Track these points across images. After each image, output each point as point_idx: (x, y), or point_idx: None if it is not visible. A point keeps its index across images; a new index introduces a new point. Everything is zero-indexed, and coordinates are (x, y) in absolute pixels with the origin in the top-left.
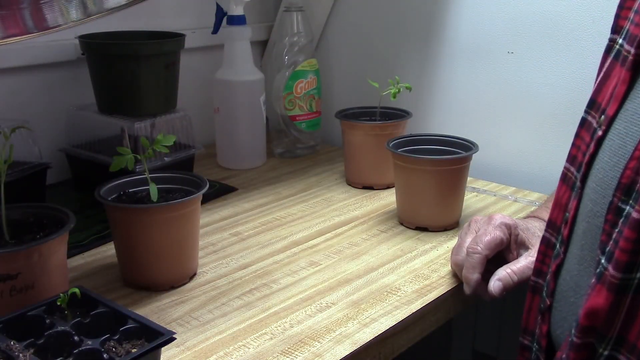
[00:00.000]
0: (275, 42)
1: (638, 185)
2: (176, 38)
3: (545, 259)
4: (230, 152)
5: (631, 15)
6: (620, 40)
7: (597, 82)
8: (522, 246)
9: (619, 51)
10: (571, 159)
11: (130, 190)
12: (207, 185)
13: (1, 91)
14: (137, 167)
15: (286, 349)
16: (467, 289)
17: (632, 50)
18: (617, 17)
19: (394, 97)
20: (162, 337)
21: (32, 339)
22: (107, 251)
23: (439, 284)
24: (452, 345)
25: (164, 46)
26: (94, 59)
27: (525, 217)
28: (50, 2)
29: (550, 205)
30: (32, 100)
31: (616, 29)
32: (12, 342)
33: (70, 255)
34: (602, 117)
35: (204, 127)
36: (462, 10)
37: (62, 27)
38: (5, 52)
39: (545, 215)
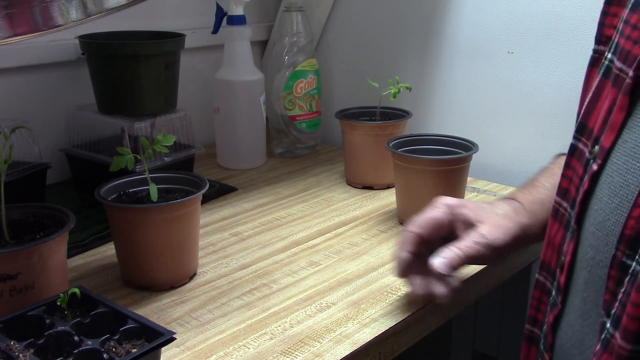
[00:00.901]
0: (275, 42)
1: None
2: (176, 38)
3: (541, 305)
4: (230, 152)
5: (620, 25)
6: (609, 55)
7: (586, 102)
8: (469, 225)
9: (609, 68)
10: (562, 192)
11: (130, 190)
12: (207, 185)
13: (1, 91)
14: (137, 167)
15: (286, 349)
16: (396, 271)
17: (631, 73)
18: (602, 25)
19: (394, 97)
20: (162, 337)
21: (32, 339)
22: (107, 251)
23: None
24: (452, 345)
25: (164, 46)
26: (94, 59)
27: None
28: (51, 2)
29: (530, 190)
30: (32, 100)
31: (601, 39)
32: (12, 342)
33: (70, 255)
34: (597, 147)
35: (204, 127)
36: (462, 10)
37: (62, 27)
38: (5, 52)
39: (522, 197)
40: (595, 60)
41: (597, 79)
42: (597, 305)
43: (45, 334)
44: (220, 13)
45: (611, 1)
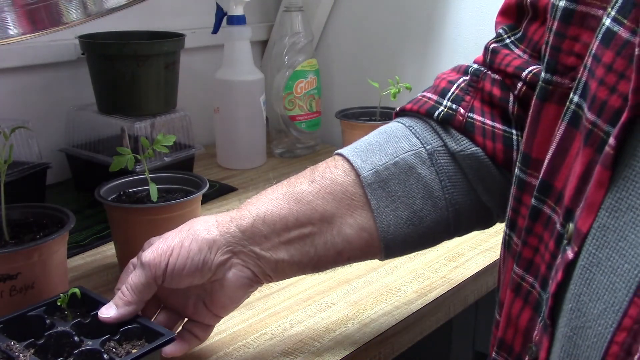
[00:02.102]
0: (275, 42)
1: None
2: (176, 38)
3: None
4: (230, 152)
5: (588, 61)
6: (576, 99)
7: (550, 156)
8: None
9: (576, 115)
10: (526, 264)
11: (130, 190)
12: (207, 185)
13: (1, 91)
14: (137, 167)
15: (286, 349)
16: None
17: (612, 140)
18: (557, 50)
19: (394, 97)
20: (163, 337)
21: (33, 339)
22: (107, 251)
23: (439, 284)
24: (452, 345)
25: (164, 46)
26: (94, 59)
27: None
28: (51, 2)
29: (248, 210)
30: (32, 100)
31: (557, 69)
32: (12, 342)
33: (70, 255)
34: (571, 225)
35: (204, 127)
36: (462, 10)
37: (62, 27)
38: (5, 52)
39: (242, 220)
40: (548, 94)
41: (562, 127)
42: None
43: (46, 334)
44: (220, 13)
45: (568, 19)
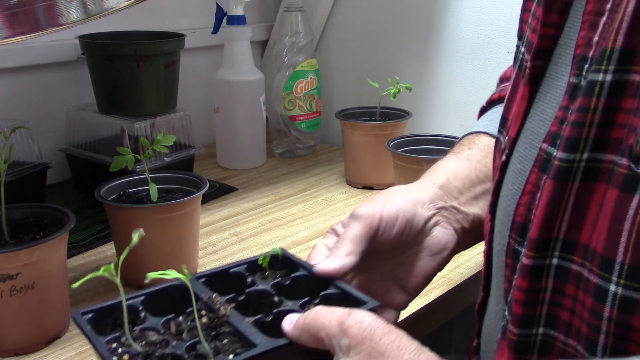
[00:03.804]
0: (275, 42)
1: (531, 224)
2: (176, 38)
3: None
4: (230, 152)
5: (529, 19)
6: (522, 49)
7: (507, 96)
8: None
9: (521, 60)
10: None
11: (130, 190)
12: (207, 185)
13: (1, 91)
14: (137, 167)
15: None
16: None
17: (529, 63)
18: (520, 21)
19: (394, 97)
20: (365, 305)
21: (234, 295)
22: (107, 251)
23: (439, 284)
24: (452, 345)
25: (164, 46)
26: (94, 59)
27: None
28: (51, 2)
29: (438, 172)
30: (32, 100)
31: (519, 35)
32: (214, 295)
33: (70, 255)
34: (507, 138)
35: (204, 127)
36: (462, 10)
37: (62, 27)
38: (5, 52)
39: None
40: (515, 56)
41: (514, 74)
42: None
43: (246, 291)
44: (220, 13)
45: None
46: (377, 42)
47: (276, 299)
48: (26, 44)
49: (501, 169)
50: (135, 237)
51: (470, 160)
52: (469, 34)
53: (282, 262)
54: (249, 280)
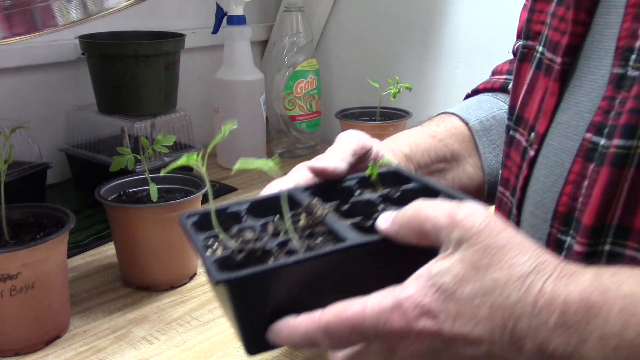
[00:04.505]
0: (275, 42)
1: (577, 212)
2: (176, 38)
3: None
4: (230, 152)
5: (548, 19)
6: (540, 49)
7: (522, 95)
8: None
9: (540, 60)
10: (504, 182)
11: (130, 190)
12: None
13: (1, 91)
14: (137, 167)
15: (286, 348)
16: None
17: (558, 60)
18: (529, 21)
19: (394, 97)
20: None
21: (338, 201)
22: (107, 251)
23: None
24: None
25: (164, 46)
26: (94, 59)
27: None
28: (51, 2)
29: (401, 140)
30: (32, 100)
31: (529, 35)
32: (315, 200)
33: (70, 255)
34: (532, 134)
35: (204, 127)
36: (461, 10)
37: (62, 27)
38: (5, 52)
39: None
40: (524, 55)
41: (530, 72)
42: None
43: (351, 200)
44: (220, 13)
45: None
46: (377, 42)
47: (381, 207)
48: (26, 44)
49: (530, 164)
50: (227, 129)
51: (435, 138)
52: (468, 34)
53: (394, 176)
54: (357, 192)
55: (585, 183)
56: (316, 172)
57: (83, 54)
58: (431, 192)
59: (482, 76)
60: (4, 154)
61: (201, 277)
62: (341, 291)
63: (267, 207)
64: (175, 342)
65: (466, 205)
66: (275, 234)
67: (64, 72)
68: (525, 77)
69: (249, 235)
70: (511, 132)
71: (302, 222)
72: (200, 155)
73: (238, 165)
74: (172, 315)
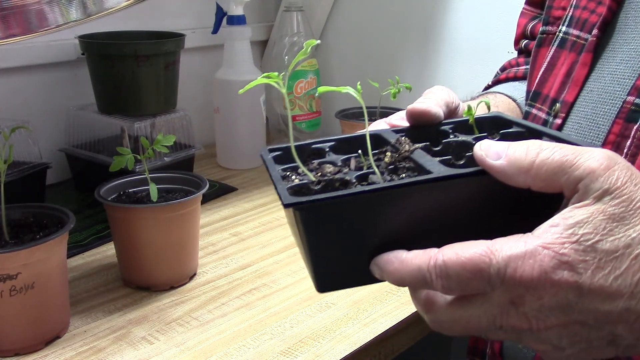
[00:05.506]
0: (275, 42)
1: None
2: (176, 38)
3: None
4: (230, 152)
5: (573, 1)
6: (564, 29)
7: (540, 73)
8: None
9: (564, 39)
10: None
11: (130, 190)
12: (207, 185)
13: (1, 91)
14: (137, 167)
15: (286, 349)
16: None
17: (594, 33)
18: (550, 8)
19: (394, 97)
20: None
21: (428, 143)
22: (107, 251)
23: None
24: (452, 345)
25: (164, 46)
26: (94, 59)
27: None
28: (50, 2)
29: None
30: (32, 100)
31: (549, 21)
32: (402, 137)
33: (70, 255)
34: (557, 105)
35: (204, 127)
36: (462, 10)
37: (62, 27)
38: (5, 52)
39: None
40: (543, 41)
41: (551, 52)
42: None
43: (444, 141)
44: (220, 13)
45: None
46: (377, 42)
47: None
48: (26, 44)
49: (557, 130)
50: (309, 45)
51: (498, 109)
52: (468, 33)
53: (494, 123)
54: (452, 136)
55: (628, 142)
56: (416, 115)
57: (83, 54)
58: (536, 137)
59: (482, 76)
60: (4, 154)
61: (201, 277)
62: (436, 232)
63: (353, 145)
64: (175, 342)
65: (600, 152)
66: (358, 168)
67: (64, 72)
68: (543, 61)
69: (328, 168)
70: (527, 108)
71: (387, 159)
72: (281, 75)
73: (321, 89)
74: (172, 315)
